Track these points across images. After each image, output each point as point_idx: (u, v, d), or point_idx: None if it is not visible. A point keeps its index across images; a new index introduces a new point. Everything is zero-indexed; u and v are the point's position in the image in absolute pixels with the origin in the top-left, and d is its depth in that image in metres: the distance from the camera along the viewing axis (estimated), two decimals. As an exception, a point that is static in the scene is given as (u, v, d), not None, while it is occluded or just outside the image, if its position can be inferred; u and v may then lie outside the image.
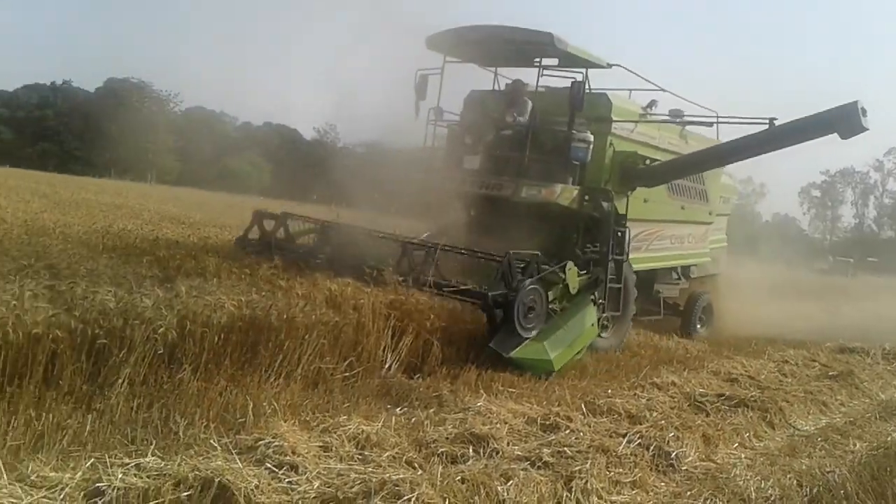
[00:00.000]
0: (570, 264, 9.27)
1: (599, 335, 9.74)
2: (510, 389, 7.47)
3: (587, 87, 10.66)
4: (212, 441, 4.97)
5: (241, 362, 6.56)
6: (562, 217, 10.76)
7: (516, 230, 10.19)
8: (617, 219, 10.54)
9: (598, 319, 9.58)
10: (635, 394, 8.00)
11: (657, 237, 12.53)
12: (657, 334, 12.87)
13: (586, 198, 10.62)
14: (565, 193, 10.50)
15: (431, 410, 6.46)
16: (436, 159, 11.84)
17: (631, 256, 11.19)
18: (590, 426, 6.52)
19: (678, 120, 12.26)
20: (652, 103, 12.18)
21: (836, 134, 10.11)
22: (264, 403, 5.82)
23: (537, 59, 11.25)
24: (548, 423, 6.42)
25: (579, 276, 9.40)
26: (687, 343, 12.52)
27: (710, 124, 12.14)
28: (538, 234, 10.17)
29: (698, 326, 13.97)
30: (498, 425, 6.07)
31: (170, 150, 68.82)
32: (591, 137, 10.60)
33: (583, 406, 7.10)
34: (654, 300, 13.23)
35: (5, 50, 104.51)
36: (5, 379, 5.26)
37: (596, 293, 9.63)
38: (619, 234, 10.50)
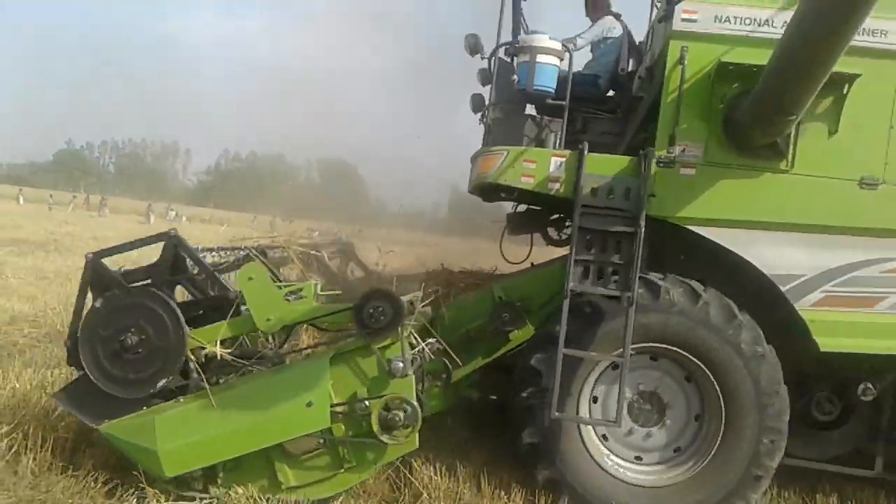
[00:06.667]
0: (251, 266, 4.68)
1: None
2: None
3: None
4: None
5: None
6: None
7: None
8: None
9: (378, 407, 4.50)
10: None
11: None
12: None
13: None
14: (515, 164, 5.30)
15: None
16: None
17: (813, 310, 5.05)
18: None
19: None
20: None
21: None
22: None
23: None
24: None
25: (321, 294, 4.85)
26: None
27: None
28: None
29: None
30: None
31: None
32: (553, 43, 5.43)
33: None
34: None
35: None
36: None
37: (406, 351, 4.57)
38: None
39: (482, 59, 6.26)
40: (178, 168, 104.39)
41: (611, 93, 6.44)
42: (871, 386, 5.26)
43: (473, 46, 6.06)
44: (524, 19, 7.05)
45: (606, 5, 6.46)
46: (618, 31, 6.30)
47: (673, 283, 5.10)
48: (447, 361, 5.48)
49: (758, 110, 4.78)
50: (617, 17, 6.42)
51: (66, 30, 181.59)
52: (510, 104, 5.83)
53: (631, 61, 6.41)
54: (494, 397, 5.89)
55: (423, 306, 5.76)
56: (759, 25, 5.03)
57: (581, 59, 6.63)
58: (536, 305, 5.67)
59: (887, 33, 4.96)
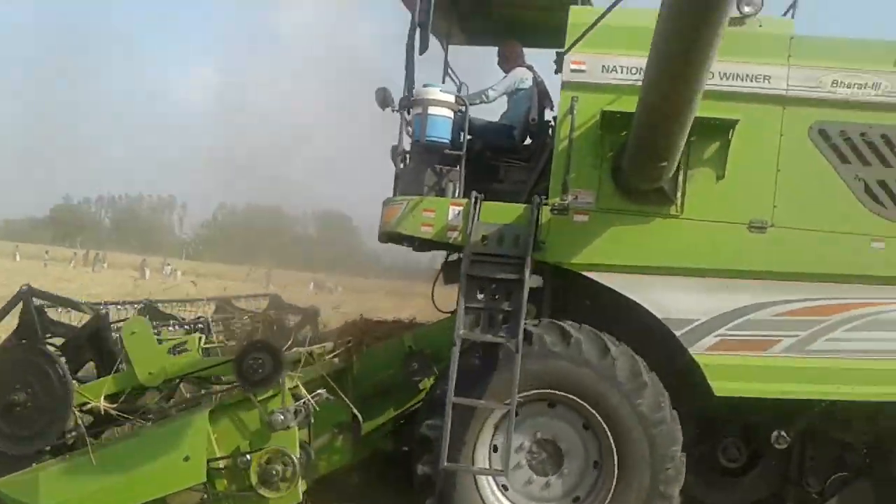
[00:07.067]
0: (133, 321, 5.04)
1: None
2: None
3: None
4: None
5: None
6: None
7: None
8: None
9: (258, 460, 4.49)
10: None
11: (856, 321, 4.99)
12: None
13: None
14: (414, 213, 5.45)
15: None
16: None
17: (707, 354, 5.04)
18: None
19: None
20: None
21: None
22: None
23: None
24: None
25: (203, 346, 5.02)
26: None
27: None
28: None
29: None
30: None
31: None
32: (445, 95, 5.71)
33: None
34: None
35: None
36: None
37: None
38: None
39: (392, 111, 6.37)
40: (174, 221, 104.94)
41: (529, 141, 6.52)
42: (783, 434, 5.21)
43: (383, 100, 6.17)
44: (452, 71, 7.21)
45: (518, 57, 6.58)
46: (529, 82, 6.41)
47: (582, 332, 5.05)
48: (357, 413, 5.46)
49: (633, 157, 4.85)
50: (529, 68, 6.54)
51: (60, 84, 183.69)
52: (418, 154, 5.91)
53: (546, 111, 6.53)
54: (407, 448, 5.84)
55: (332, 357, 5.77)
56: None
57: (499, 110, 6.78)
58: (446, 354, 5.66)
59: (770, 78, 5.05)
